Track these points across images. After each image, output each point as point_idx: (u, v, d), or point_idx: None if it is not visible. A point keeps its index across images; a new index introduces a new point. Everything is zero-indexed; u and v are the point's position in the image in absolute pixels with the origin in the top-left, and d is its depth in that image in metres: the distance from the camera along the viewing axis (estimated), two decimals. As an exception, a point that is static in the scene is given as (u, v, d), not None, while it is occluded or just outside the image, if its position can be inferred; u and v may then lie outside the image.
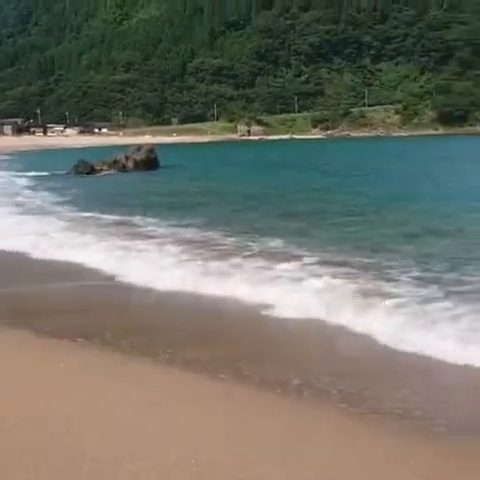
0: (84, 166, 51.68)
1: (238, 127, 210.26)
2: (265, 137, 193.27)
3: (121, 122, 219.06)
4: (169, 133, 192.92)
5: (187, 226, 20.50)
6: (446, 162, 60.76)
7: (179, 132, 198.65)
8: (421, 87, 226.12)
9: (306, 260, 14.30)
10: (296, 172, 51.05)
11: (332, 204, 26.86)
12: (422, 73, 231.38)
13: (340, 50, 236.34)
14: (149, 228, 20.43)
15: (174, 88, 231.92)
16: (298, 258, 14.55)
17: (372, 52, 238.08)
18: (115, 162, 53.76)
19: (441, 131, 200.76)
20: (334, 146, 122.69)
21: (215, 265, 13.87)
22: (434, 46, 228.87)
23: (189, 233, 19.10)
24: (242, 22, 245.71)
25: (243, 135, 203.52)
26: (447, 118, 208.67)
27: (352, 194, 30.48)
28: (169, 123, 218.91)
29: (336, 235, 18.47)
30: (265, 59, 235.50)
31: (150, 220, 22.05)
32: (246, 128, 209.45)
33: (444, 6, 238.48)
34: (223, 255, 15.25)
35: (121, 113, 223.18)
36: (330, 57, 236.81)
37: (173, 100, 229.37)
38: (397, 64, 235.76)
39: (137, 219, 22.38)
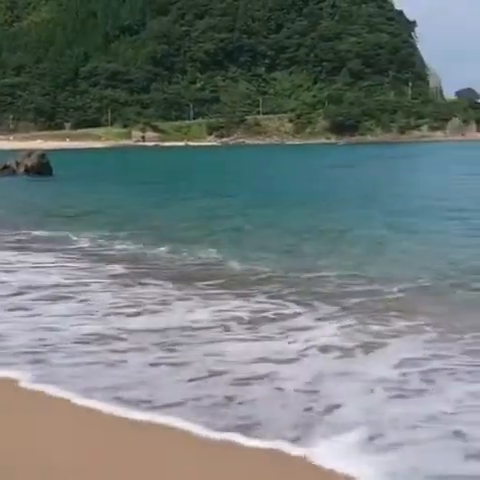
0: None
1: (133, 133, 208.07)
2: (160, 143, 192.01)
3: (11, 126, 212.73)
4: (62, 138, 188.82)
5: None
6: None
7: (72, 137, 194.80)
8: (314, 96, 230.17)
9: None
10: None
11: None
12: (315, 83, 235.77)
13: (235, 58, 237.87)
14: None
15: (67, 92, 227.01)
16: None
17: (267, 61, 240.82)
18: (5, 167, 51.89)
19: (333, 140, 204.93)
20: (228, 154, 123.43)
21: None
22: (326, 56, 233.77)
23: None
24: (137, 27, 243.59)
25: (138, 141, 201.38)
26: (339, 127, 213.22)
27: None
28: (62, 128, 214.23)
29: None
30: (160, 65, 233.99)
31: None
32: (141, 134, 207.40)
33: (336, 17, 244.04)
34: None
35: (11, 117, 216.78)
36: (225, 65, 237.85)
37: (66, 104, 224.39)
38: (291, 73, 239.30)
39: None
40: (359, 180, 50.64)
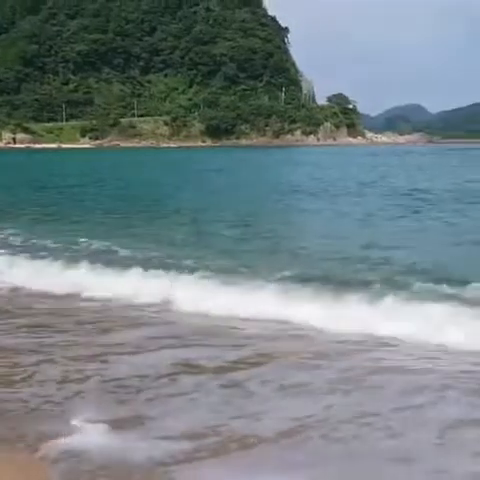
0: None
1: (3, 135, 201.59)
2: (32, 146, 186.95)
3: None
4: None
5: None
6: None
7: None
8: (190, 100, 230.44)
9: None
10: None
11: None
12: (190, 86, 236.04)
13: (109, 60, 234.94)
14: None
15: None
16: None
17: (141, 63, 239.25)
18: None
19: (209, 143, 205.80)
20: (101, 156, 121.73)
21: None
22: (201, 60, 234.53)
23: None
24: (6, 26, 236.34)
25: (8, 143, 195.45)
26: (215, 131, 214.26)
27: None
28: None
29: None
30: (31, 65, 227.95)
31: None
32: (11, 136, 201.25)
33: (210, 21, 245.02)
34: None
35: None
36: (99, 66, 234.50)
37: None
38: (166, 76, 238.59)
39: None
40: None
